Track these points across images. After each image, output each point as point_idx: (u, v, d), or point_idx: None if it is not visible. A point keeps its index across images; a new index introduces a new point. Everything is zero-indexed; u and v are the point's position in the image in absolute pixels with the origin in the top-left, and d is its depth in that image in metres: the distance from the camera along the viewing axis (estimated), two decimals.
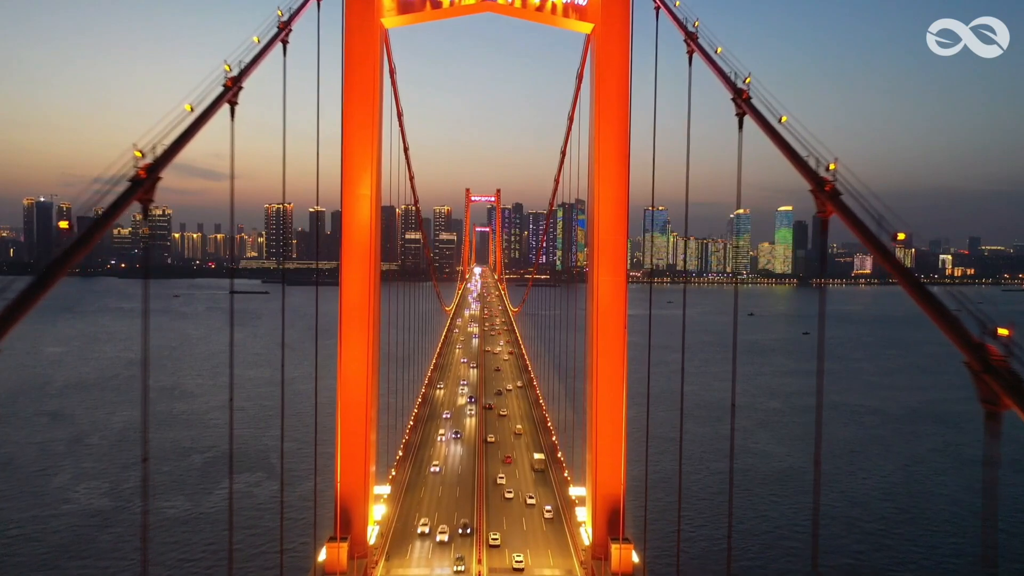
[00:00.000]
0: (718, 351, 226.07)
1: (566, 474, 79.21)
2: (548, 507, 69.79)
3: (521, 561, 55.64)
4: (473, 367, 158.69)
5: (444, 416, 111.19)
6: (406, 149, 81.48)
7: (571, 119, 75.37)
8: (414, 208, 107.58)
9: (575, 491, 66.34)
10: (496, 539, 60.71)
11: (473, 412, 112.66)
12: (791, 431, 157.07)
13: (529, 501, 72.38)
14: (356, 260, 51.98)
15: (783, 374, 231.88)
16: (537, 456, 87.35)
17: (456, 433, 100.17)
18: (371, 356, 52.16)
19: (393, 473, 79.43)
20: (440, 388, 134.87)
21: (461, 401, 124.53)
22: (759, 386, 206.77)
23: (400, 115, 74.07)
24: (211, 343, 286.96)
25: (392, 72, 67.26)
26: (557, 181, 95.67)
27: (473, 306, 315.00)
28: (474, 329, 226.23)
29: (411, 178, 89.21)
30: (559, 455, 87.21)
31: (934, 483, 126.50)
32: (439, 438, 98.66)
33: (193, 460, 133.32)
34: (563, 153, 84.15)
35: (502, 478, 79.95)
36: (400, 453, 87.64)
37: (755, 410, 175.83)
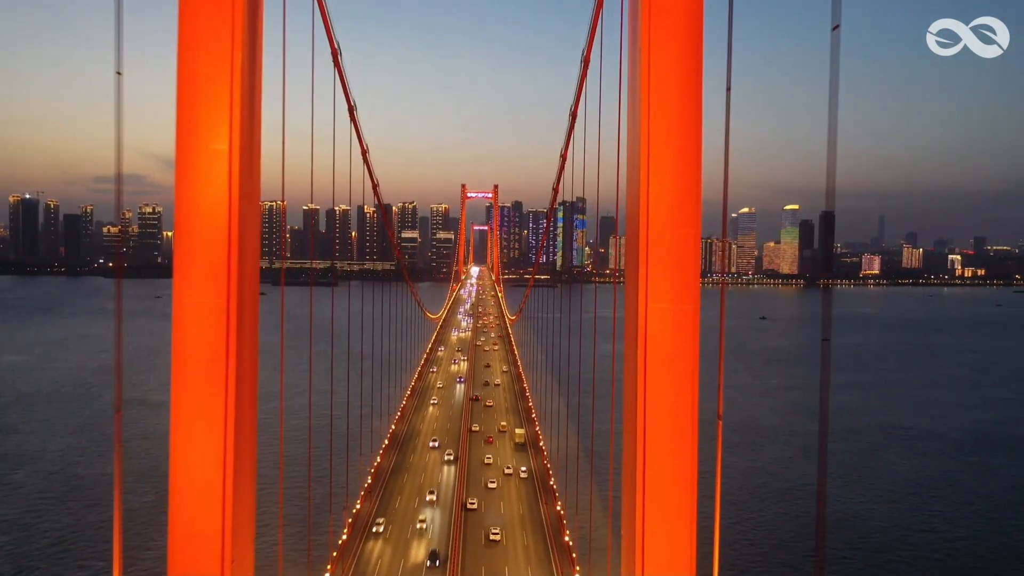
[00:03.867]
0: (734, 360, 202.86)
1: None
2: None
3: None
4: (449, 459, 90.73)
5: None
6: (351, 109, 56.56)
7: (586, 62, 50.89)
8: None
9: None
10: None
11: None
12: (844, 461, 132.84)
13: None
14: (201, 263, 28.03)
15: (815, 388, 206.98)
16: None
17: None
18: (230, 441, 28.24)
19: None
20: (378, 530, 67.63)
21: (416, 554, 63.98)
22: (793, 404, 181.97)
23: (335, 53, 49.50)
24: None
25: None
26: (564, 158, 70.77)
27: (464, 323, 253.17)
28: (460, 367, 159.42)
29: (363, 152, 63.66)
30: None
31: None
32: None
33: (131, 504, 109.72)
34: (573, 115, 59.43)
35: None
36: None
37: (794, 434, 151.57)
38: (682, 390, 29.35)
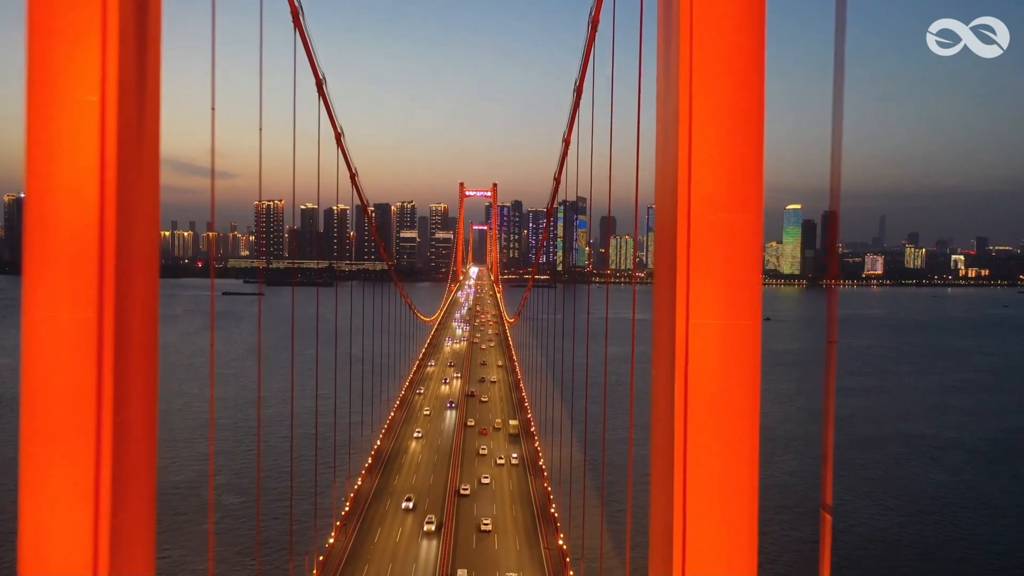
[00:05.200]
0: None
1: None
2: None
3: None
4: (430, 528, 67.55)
5: None
6: (319, 83, 48.19)
7: (594, 25, 42.59)
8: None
9: None
10: None
11: None
12: (866, 473, 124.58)
13: None
14: (58, 262, 19.91)
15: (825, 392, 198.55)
16: None
17: None
18: (104, 513, 20.14)
19: None
20: None
21: None
22: (804, 410, 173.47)
23: (296, 12, 41.55)
24: (184, 351, 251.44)
25: None
26: (567, 142, 62.79)
27: (460, 331, 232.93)
28: (452, 387, 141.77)
29: (337, 136, 55.37)
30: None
31: None
32: None
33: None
34: (578, 91, 51.30)
35: None
36: None
37: (809, 443, 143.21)
38: (737, 438, 21.02)
